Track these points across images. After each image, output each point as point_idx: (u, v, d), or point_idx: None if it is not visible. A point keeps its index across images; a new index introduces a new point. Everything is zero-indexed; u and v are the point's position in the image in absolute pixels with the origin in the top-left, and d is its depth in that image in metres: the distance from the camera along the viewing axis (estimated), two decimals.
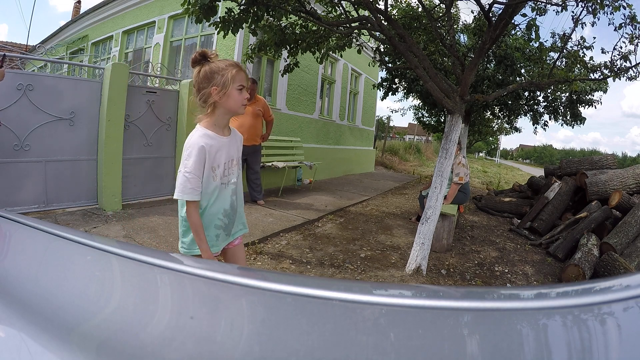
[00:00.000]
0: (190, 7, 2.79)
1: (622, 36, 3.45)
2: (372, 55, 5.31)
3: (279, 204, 4.71)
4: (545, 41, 5.00)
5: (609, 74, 3.82)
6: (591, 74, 4.31)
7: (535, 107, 7.32)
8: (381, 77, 8.29)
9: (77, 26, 9.49)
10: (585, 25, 3.97)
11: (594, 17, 3.14)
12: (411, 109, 12.28)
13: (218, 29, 3.07)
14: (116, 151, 3.72)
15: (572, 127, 7.46)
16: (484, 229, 4.65)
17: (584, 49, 4.31)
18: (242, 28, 3.15)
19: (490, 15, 2.91)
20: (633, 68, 3.56)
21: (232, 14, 3.05)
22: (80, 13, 9.72)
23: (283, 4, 3.15)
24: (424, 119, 12.17)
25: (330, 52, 4.46)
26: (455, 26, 5.53)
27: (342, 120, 8.69)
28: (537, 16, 3.21)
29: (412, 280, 2.76)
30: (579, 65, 4.44)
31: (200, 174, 1.25)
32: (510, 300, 0.46)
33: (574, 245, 3.69)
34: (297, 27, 3.90)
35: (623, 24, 3.37)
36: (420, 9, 4.64)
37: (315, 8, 3.60)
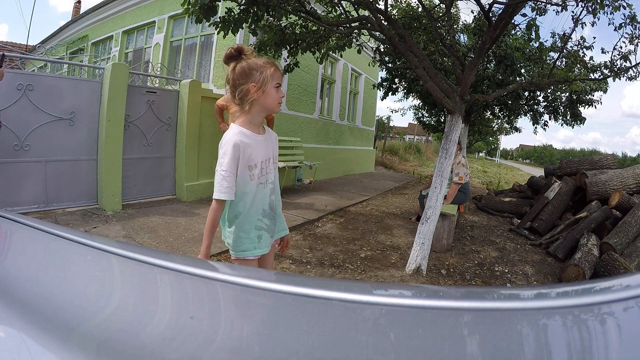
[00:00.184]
0: (190, 7, 2.79)
1: (622, 36, 3.45)
2: (372, 55, 5.31)
3: None
4: (545, 41, 5.01)
5: (609, 74, 3.82)
6: (591, 74, 4.31)
7: (535, 107, 7.32)
8: (381, 77, 8.30)
9: (77, 26, 9.49)
10: (585, 25, 3.97)
11: (594, 17, 3.15)
12: (411, 109, 12.30)
13: (218, 29, 3.07)
14: (116, 151, 3.72)
15: (572, 127, 7.46)
16: (484, 229, 4.65)
17: (584, 49, 4.31)
18: (242, 28, 3.15)
19: (490, 15, 2.92)
20: (633, 68, 3.56)
21: (232, 14, 3.05)
22: (80, 13, 9.72)
23: (283, 4, 3.15)
24: (424, 119, 12.17)
25: (330, 52, 4.46)
26: (455, 26, 5.53)
27: (342, 120, 8.69)
28: (537, 16, 3.21)
29: (412, 280, 2.76)
30: (579, 65, 4.44)
31: (235, 172, 1.23)
32: (510, 300, 0.46)
33: (574, 245, 3.69)
34: (297, 27, 3.90)
35: (623, 24, 3.37)
36: (420, 9, 4.64)
37: (315, 8, 3.60)
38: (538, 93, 7.00)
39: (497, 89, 5.92)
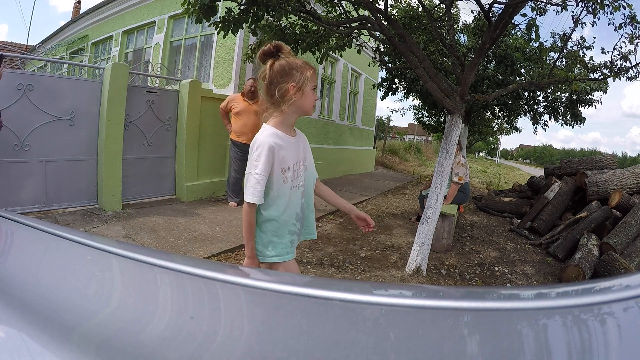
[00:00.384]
0: (190, 7, 2.79)
1: (622, 36, 3.45)
2: (372, 55, 5.31)
3: None
4: (545, 41, 5.01)
5: (609, 74, 3.82)
6: (591, 74, 4.31)
7: (535, 107, 7.32)
8: (381, 77, 8.30)
9: (77, 26, 9.49)
10: (585, 25, 3.97)
11: (594, 17, 3.15)
12: (411, 109, 12.31)
13: (218, 29, 3.07)
14: (116, 151, 3.72)
15: (572, 127, 7.46)
16: (484, 229, 4.65)
17: (584, 49, 4.31)
18: (242, 28, 3.15)
19: (490, 15, 2.92)
20: (633, 68, 3.56)
21: (232, 14, 3.05)
22: (80, 13, 9.72)
23: (283, 4, 3.15)
24: (424, 119, 12.17)
25: (330, 52, 4.46)
26: (455, 26, 5.53)
27: (342, 120, 8.69)
28: (537, 16, 3.21)
29: (412, 280, 2.76)
30: (579, 65, 4.44)
31: (267, 176, 1.19)
32: (510, 300, 0.46)
33: (574, 245, 3.69)
34: (297, 27, 3.90)
35: (623, 24, 3.37)
36: (420, 9, 4.64)
37: (315, 8, 3.60)
38: (538, 93, 7.00)
39: (497, 89, 5.92)
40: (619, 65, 3.65)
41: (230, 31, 3.03)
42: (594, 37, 4.14)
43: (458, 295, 0.50)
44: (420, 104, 10.21)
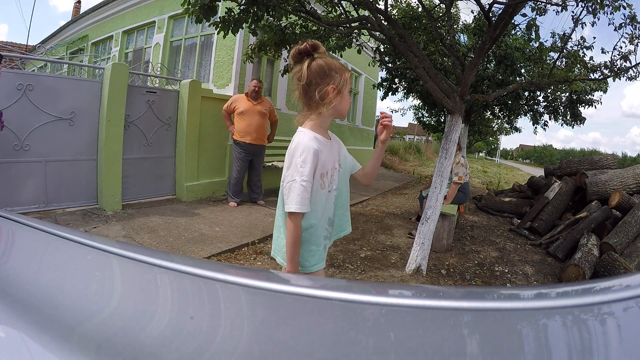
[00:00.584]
0: (190, 7, 2.79)
1: (622, 36, 3.45)
2: (372, 55, 5.31)
3: None
4: (545, 41, 5.01)
5: (609, 74, 3.82)
6: (591, 74, 4.31)
7: (535, 107, 7.33)
8: (381, 77, 8.29)
9: (77, 26, 9.49)
10: (585, 25, 3.97)
11: (594, 17, 3.14)
12: (411, 109, 12.28)
13: (218, 29, 3.07)
14: (116, 151, 3.72)
15: (572, 127, 7.46)
16: (484, 229, 4.65)
17: (584, 49, 4.31)
18: (242, 28, 3.15)
19: (490, 15, 2.92)
20: (633, 68, 3.56)
21: (232, 14, 3.05)
22: (80, 13, 9.72)
23: (283, 4, 3.15)
24: (424, 119, 12.17)
25: (330, 52, 4.46)
26: (455, 26, 5.53)
27: (342, 120, 8.69)
28: (537, 16, 3.21)
29: (412, 280, 2.76)
30: (579, 65, 4.44)
31: (312, 182, 1.12)
32: (510, 300, 0.46)
33: (574, 245, 3.69)
34: (297, 27, 3.90)
35: (623, 24, 3.37)
36: (420, 9, 4.65)
37: (315, 8, 3.60)
38: (538, 93, 7.00)
39: (497, 89, 5.92)
40: (619, 65, 3.65)
41: (230, 31, 3.03)
42: (594, 37, 4.14)
43: (458, 295, 0.50)
44: (420, 104, 10.21)
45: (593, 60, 4.43)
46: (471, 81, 3.07)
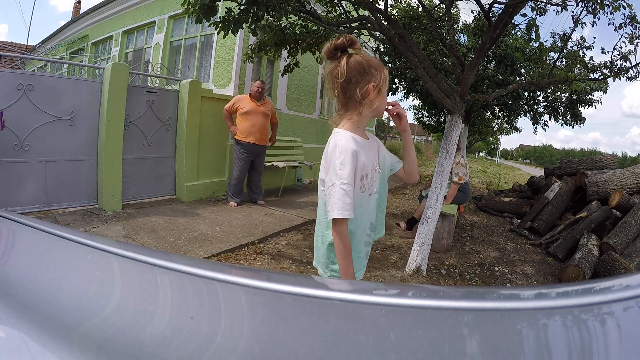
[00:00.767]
0: (190, 7, 2.79)
1: (622, 36, 3.45)
2: (372, 55, 5.31)
3: (279, 204, 4.71)
4: (545, 41, 5.01)
5: (609, 74, 3.82)
6: (591, 74, 4.31)
7: (535, 107, 7.33)
8: None
9: (77, 26, 9.49)
10: (585, 25, 3.97)
11: (594, 17, 3.15)
12: (411, 109, 12.31)
13: (218, 29, 3.07)
14: (116, 151, 3.72)
15: (572, 127, 7.48)
16: (484, 229, 4.65)
17: (584, 49, 4.31)
18: (242, 28, 3.15)
19: (490, 15, 2.92)
20: (633, 68, 3.56)
21: (232, 14, 3.05)
22: (80, 13, 9.72)
23: (283, 4, 3.15)
24: (424, 119, 12.18)
25: None
26: (455, 26, 5.53)
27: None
28: (537, 16, 3.22)
29: (412, 280, 2.76)
30: (579, 65, 4.44)
31: (353, 185, 1.04)
32: (510, 300, 0.46)
33: (574, 245, 3.69)
34: (297, 27, 3.90)
35: (623, 24, 3.37)
36: (420, 9, 4.65)
37: (315, 8, 3.60)
38: (538, 93, 7.01)
39: (497, 89, 5.92)
40: (619, 65, 3.65)
41: (230, 31, 3.03)
42: (594, 37, 4.14)
43: (458, 295, 0.50)
44: (420, 104, 10.22)
45: (593, 60, 4.44)
46: (471, 81, 3.07)
